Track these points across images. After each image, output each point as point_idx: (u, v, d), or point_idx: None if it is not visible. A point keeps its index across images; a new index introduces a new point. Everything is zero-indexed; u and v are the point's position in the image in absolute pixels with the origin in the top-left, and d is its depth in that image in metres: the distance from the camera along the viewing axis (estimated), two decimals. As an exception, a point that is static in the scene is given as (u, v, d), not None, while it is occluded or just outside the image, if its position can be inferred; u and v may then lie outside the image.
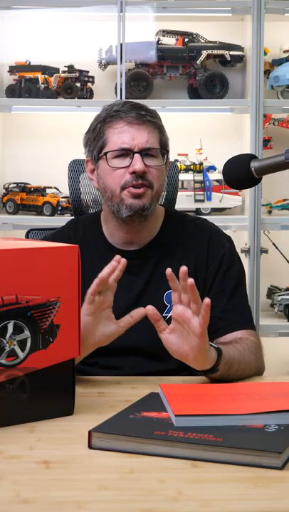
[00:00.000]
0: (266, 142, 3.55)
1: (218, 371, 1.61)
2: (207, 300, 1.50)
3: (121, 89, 3.44)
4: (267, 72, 3.60)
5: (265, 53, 3.50)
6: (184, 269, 1.53)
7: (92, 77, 3.61)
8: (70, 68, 3.58)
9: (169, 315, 1.83)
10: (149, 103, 2.13)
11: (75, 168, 2.21)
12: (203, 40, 3.61)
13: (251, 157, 1.51)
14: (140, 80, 3.55)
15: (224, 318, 1.84)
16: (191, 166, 3.54)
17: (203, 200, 3.52)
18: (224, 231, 2.02)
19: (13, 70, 3.61)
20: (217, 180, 3.55)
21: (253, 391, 1.46)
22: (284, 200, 3.65)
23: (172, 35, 3.62)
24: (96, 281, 1.61)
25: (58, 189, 3.59)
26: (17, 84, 3.58)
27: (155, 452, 1.24)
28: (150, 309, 1.61)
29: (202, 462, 1.21)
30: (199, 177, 3.52)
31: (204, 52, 3.55)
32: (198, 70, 3.58)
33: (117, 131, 1.85)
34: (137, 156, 1.83)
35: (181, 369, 1.73)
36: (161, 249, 1.92)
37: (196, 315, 1.53)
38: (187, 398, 1.40)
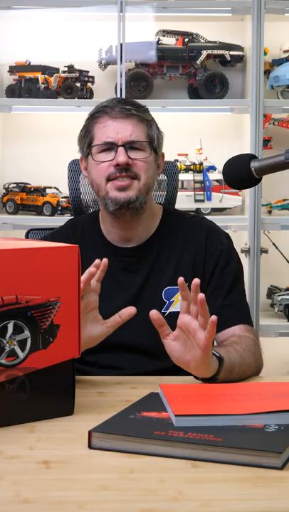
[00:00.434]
0: (266, 142, 3.55)
1: (218, 380, 1.60)
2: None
3: (121, 89, 3.43)
4: (267, 72, 3.60)
5: (265, 53, 3.50)
6: (196, 281, 1.51)
7: (92, 77, 3.61)
8: (70, 68, 3.58)
9: (167, 311, 1.84)
10: (149, 103, 2.13)
11: (75, 168, 2.21)
12: (203, 40, 3.61)
13: (251, 157, 1.51)
14: (140, 80, 3.55)
15: (222, 313, 1.83)
16: (191, 166, 3.54)
17: (203, 200, 3.52)
18: (224, 231, 2.02)
19: (13, 70, 3.61)
20: (217, 180, 3.55)
21: (253, 391, 1.46)
22: (284, 200, 3.65)
23: (172, 35, 3.62)
24: None
25: (58, 189, 3.59)
26: (17, 84, 3.58)
27: (155, 452, 1.24)
28: (154, 314, 1.59)
29: (202, 462, 1.21)
30: (199, 177, 3.52)
31: (204, 52, 3.55)
32: (198, 70, 3.58)
33: (102, 126, 1.89)
34: (120, 149, 1.85)
35: (181, 368, 1.73)
36: (160, 247, 1.92)
37: (203, 328, 1.52)
38: (187, 398, 1.40)
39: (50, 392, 1.43)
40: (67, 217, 3.26)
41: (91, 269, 1.61)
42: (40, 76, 3.53)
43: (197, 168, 3.53)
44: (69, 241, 1.94)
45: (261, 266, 3.46)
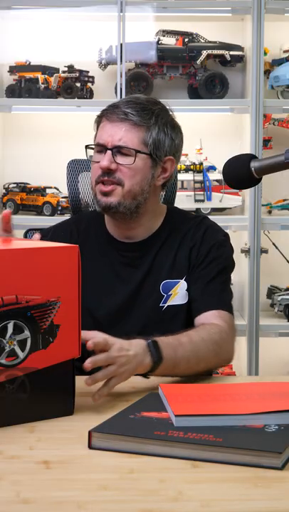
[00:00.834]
0: (266, 142, 3.55)
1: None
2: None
3: (121, 89, 3.43)
4: (267, 72, 3.60)
5: (265, 53, 3.50)
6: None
7: (92, 77, 3.61)
8: (70, 68, 3.58)
9: (165, 305, 1.86)
10: (149, 103, 2.12)
11: (74, 168, 2.21)
12: (203, 40, 3.61)
13: (251, 157, 1.51)
14: (140, 80, 3.55)
15: (199, 300, 1.86)
16: (191, 166, 3.54)
17: (203, 200, 3.52)
18: (224, 231, 2.03)
19: (13, 70, 3.61)
20: (217, 180, 3.55)
21: (253, 391, 1.46)
22: (284, 200, 3.66)
23: (172, 35, 3.62)
24: None
25: (57, 189, 3.59)
26: (17, 84, 3.58)
27: (155, 452, 1.24)
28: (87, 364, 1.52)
29: (202, 462, 1.21)
30: (199, 177, 3.52)
31: (204, 52, 3.55)
32: (198, 70, 3.58)
33: (101, 126, 1.90)
34: (108, 153, 1.85)
35: None
36: (161, 243, 1.94)
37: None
38: (187, 398, 1.40)
39: (50, 392, 1.43)
40: (67, 217, 3.26)
41: None
42: (40, 76, 3.53)
43: (197, 168, 3.53)
44: (72, 233, 1.97)
45: (261, 266, 3.46)
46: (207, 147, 3.56)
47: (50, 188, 3.59)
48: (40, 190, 3.57)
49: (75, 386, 1.47)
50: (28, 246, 1.46)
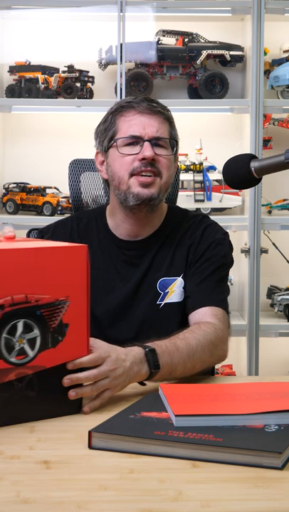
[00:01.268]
0: (266, 142, 3.56)
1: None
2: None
3: (121, 89, 3.44)
4: (267, 72, 3.60)
5: (265, 53, 3.50)
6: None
7: (92, 77, 3.61)
8: (70, 68, 3.58)
9: (163, 303, 1.86)
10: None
11: (76, 168, 2.21)
12: (203, 40, 3.61)
13: (251, 157, 1.51)
14: (140, 80, 3.55)
15: (193, 296, 1.86)
16: (191, 166, 3.54)
17: (203, 200, 3.52)
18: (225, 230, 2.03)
19: (13, 70, 3.61)
20: (217, 180, 3.55)
21: (253, 391, 1.46)
22: (284, 200, 3.66)
23: (172, 35, 3.62)
24: None
25: (58, 189, 3.60)
26: (17, 84, 3.58)
27: (155, 452, 1.24)
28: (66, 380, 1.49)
29: (202, 462, 1.21)
30: (199, 177, 3.52)
31: (204, 52, 3.55)
32: (198, 70, 3.58)
33: (128, 119, 1.88)
34: (146, 144, 1.85)
35: None
36: (161, 241, 1.94)
37: None
38: (187, 398, 1.40)
39: (58, 390, 1.43)
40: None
41: None
42: (40, 76, 3.53)
43: (197, 168, 3.53)
44: (72, 231, 1.96)
45: (261, 266, 3.46)
46: (207, 147, 3.56)
47: (50, 188, 3.59)
48: (40, 190, 3.57)
49: (82, 385, 1.47)
50: (38, 246, 1.46)
